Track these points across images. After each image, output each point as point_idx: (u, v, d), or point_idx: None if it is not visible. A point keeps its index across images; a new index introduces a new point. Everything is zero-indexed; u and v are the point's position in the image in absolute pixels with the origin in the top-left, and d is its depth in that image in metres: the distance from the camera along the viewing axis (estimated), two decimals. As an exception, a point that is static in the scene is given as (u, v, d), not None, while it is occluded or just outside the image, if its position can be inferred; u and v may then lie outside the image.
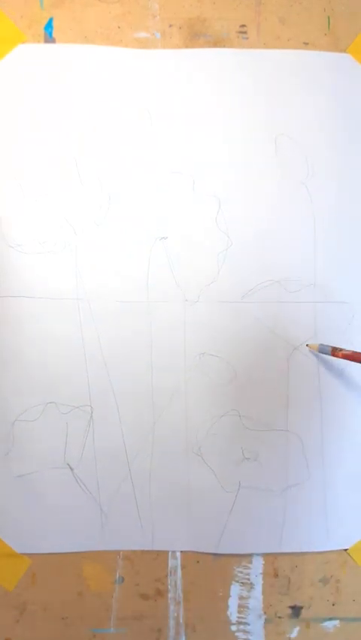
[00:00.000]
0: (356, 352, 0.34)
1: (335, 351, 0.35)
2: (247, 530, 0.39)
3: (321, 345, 0.37)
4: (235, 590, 0.39)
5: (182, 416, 0.39)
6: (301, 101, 0.40)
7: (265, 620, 0.39)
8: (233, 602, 0.39)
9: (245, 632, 0.39)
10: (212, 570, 0.39)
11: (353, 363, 0.37)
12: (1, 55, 0.38)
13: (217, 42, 0.39)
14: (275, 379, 0.39)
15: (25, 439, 0.38)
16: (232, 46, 0.39)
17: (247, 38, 0.40)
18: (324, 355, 0.38)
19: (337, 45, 0.40)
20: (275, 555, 0.39)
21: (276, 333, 0.39)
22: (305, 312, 0.39)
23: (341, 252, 0.39)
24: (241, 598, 0.39)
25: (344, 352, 0.35)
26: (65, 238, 0.38)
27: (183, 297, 0.39)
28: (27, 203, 0.38)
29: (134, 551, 0.39)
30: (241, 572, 0.39)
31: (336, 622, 0.39)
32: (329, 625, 0.39)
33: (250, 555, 0.39)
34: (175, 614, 0.39)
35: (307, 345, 0.38)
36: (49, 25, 0.39)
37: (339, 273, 0.39)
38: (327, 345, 0.37)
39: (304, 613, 0.39)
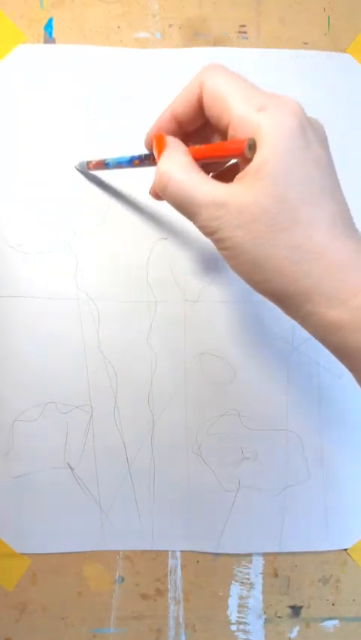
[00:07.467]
0: (99, 160, 0.34)
1: (88, 164, 0.36)
2: (246, 530, 0.39)
3: (80, 162, 0.37)
4: (235, 589, 0.39)
5: (182, 416, 0.39)
6: (301, 101, 0.39)
7: (265, 619, 0.39)
8: (233, 602, 0.39)
9: (245, 631, 0.39)
10: (212, 570, 0.39)
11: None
12: (0, 55, 0.38)
13: (217, 42, 0.39)
14: (275, 379, 0.39)
15: (25, 439, 0.38)
16: (232, 46, 0.39)
17: (247, 38, 0.40)
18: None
19: (337, 45, 0.40)
20: (275, 555, 0.39)
21: (276, 333, 0.39)
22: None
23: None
24: (240, 598, 0.39)
25: (92, 163, 0.35)
26: (65, 238, 0.38)
27: (183, 297, 0.39)
28: (27, 203, 0.38)
29: (134, 551, 0.39)
30: (241, 572, 0.39)
31: (336, 622, 0.39)
32: (329, 625, 0.39)
33: (250, 555, 0.39)
34: (175, 614, 0.39)
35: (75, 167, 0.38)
36: (49, 25, 0.39)
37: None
38: (84, 161, 0.36)
39: (304, 613, 0.39)
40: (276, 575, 0.39)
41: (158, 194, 0.26)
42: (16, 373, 0.38)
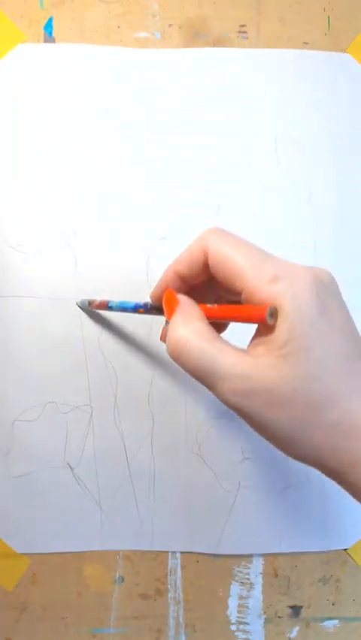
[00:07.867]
0: (102, 301, 0.34)
1: (91, 304, 0.36)
2: (246, 530, 0.39)
3: (82, 300, 0.37)
4: (235, 589, 0.39)
5: (182, 416, 0.39)
6: (301, 101, 0.40)
7: (265, 619, 0.39)
8: (233, 602, 0.39)
9: (245, 631, 0.39)
10: (212, 570, 0.39)
11: None
12: (0, 54, 0.38)
13: (217, 42, 0.39)
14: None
15: (25, 438, 0.38)
16: (232, 46, 0.39)
17: (247, 38, 0.40)
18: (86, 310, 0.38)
19: (337, 45, 0.40)
20: (275, 555, 0.39)
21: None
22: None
23: (342, 254, 0.39)
24: (240, 598, 0.39)
25: (95, 304, 0.35)
26: (65, 238, 0.38)
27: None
28: (27, 202, 0.38)
29: (134, 551, 0.39)
30: (241, 572, 0.39)
31: (336, 622, 0.39)
32: (329, 625, 0.39)
33: (250, 555, 0.39)
34: (175, 614, 0.39)
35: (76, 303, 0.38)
36: (48, 25, 0.39)
37: (339, 272, 0.39)
38: (86, 299, 0.37)
39: (303, 613, 0.39)
40: (276, 575, 0.39)
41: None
42: (16, 373, 0.38)
